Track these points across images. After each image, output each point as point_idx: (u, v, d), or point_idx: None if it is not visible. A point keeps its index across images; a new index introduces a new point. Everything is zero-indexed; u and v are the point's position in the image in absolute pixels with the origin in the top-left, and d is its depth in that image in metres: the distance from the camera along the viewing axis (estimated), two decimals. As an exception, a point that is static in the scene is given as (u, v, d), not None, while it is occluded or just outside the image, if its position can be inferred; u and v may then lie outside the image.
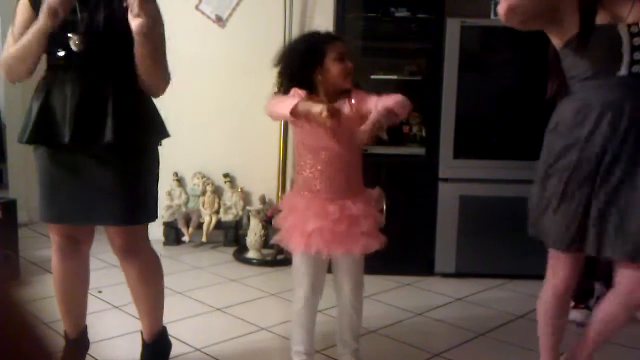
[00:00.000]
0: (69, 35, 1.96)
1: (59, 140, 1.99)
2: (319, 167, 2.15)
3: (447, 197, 3.54)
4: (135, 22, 1.90)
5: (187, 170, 4.18)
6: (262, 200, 4.04)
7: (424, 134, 3.67)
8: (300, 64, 2.15)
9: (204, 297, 3.20)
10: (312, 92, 2.14)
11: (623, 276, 1.98)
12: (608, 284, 2.26)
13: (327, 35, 2.28)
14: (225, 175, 4.16)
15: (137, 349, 2.35)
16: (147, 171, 2.14)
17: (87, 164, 2.04)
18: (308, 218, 2.12)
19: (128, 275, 2.25)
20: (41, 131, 2.02)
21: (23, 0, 2.02)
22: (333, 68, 2.14)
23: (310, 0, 3.98)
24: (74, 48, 1.96)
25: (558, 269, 2.12)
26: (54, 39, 1.95)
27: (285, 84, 2.19)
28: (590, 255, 1.99)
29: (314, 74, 2.14)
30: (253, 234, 3.86)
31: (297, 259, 2.19)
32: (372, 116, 2.04)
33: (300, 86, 2.13)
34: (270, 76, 3.93)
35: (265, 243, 3.86)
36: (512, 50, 3.68)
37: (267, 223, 3.85)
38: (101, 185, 2.05)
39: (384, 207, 2.26)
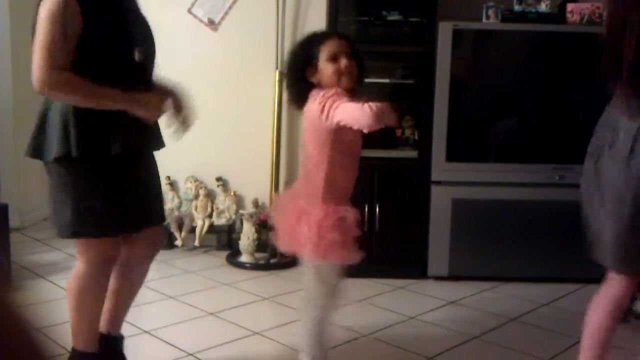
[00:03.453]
0: (136, 49, 2.03)
1: (142, 147, 2.12)
2: (351, 174, 2.16)
3: (440, 200, 3.54)
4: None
5: (179, 174, 4.17)
6: (255, 203, 4.03)
7: (416, 137, 3.67)
8: (294, 66, 2.15)
9: (196, 301, 3.19)
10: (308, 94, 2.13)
11: None
12: None
13: (322, 34, 2.23)
14: (218, 179, 4.15)
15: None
16: None
17: (139, 169, 2.16)
18: (351, 229, 2.09)
19: (129, 280, 2.27)
20: (130, 140, 2.06)
21: (71, 7, 1.91)
22: (325, 69, 2.08)
23: (303, 3, 3.98)
24: (137, 59, 2.04)
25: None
26: (116, 50, 2.00)
27: (288, 87, 2.21)
28: None
29: (309, 75, 2.11)
30: (246, 237, 3.85)
31: (330, 270, 2.12)
32: None
33: (300, 89, 2.13)
34: (263, 79, 3.96)
35: (259, 247, 3.85)
36: (504, 54, 3.70)
37: (261, 226, 3.85)
38: (150, 187, 2.22)
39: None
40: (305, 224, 2.06)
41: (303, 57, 2.13)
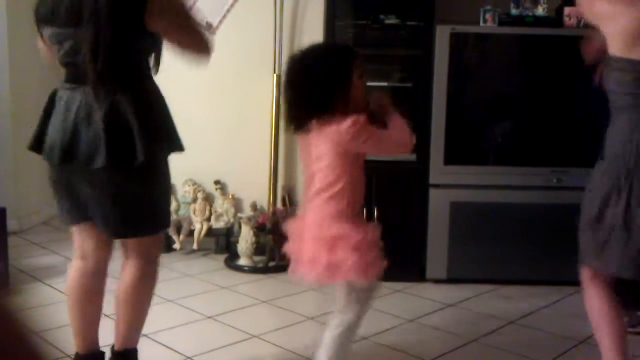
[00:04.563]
0: None
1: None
2: (364, 187, 2.14)
3: (438, 203, 3.55)
4: None
5: (177, 177, 4.15)
6: (254, 207, 4.03)
7: (414, 140, 3.67)
8: (330, 83, 1.98)
9: (195, 304, 3.19)
10: (333, 113, 1.97)
11: None
12: None
13: (349, 49, 2.11)
14: (217, 182, 4.15)
15: (139, 355, 2.34)
16: None
17: None
18: (378, 241, 2.09)
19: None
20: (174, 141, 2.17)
21: None
22: (359, 86, 2.01)
23: (301, 7, 3.99)
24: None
25: None
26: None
27: (310, 107, 2.00)
28: None
29: (345, 93, 1.98)
30: (244, 241, 3.85)
31: (374, 285, 2.11)
32: None
33: (325, 109, 1.97)
34: (261, 83, 3.96)
35: (257, 250, 3.85)
36: (502, 57, 3.70)
37: (259, 230, 3.85)
38: None
39: None
40: (344, 250, 1.99)
41: (345, 70, 2.00)
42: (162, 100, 2.10)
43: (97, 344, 2.25)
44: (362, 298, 2.11)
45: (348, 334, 2.14)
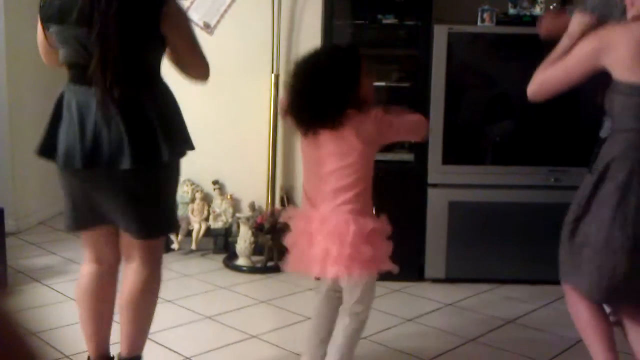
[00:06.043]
0: None
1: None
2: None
3: (437, 203, 3.55)
4: None
5: (176, 177, 4.16)
6: (252, 207, 4.03)
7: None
8: (341, 86, 2.02)
9: (193, 305, 3.19)
10: (347, 113, 2.01)
11: None
12: None
13: (356, 49, 2.15)
14: (215, 182, 4.14)
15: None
16: None
17: None
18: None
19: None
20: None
21: None
22: (367, 83, 2.05)
23: (299, 7, 3.99)
24: None
25: None
26: None
27: (323, 111, 2.03)
28: None
29: (355, 93, 2.02)
30: (243, 241, 3.84)
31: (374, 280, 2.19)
32: None
33: (340, 111, 2.00)
34: (259, 83, 3.96)
35: (255, 250, 3.85)
36: (499, 57, 3.70)
37: (258, 230, 3.84)
38: None
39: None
40: (381, 242, 2.13)
41: (355, 71, 2.04)
42: (174, 100, 2.10)
43: (109, 348, 2.24)
44: (373, 291, 2.19)
45: (361, 330, 2.20)
